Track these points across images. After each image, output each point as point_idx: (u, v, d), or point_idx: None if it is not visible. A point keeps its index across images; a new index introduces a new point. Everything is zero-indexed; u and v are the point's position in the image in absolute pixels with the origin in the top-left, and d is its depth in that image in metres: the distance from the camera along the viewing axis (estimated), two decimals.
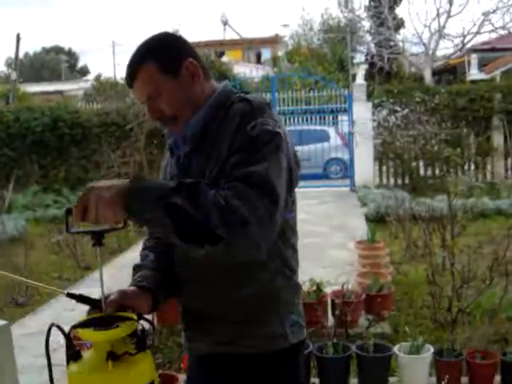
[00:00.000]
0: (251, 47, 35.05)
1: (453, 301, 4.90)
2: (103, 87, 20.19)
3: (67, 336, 1.55)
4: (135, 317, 1.61)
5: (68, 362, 1.56)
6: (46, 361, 1.58)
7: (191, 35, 47.52)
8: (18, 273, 6.92)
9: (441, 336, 4.84)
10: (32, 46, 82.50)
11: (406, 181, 13.58)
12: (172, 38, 1.83)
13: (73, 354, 1.55)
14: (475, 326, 4.91)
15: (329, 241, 8.82)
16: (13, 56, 19.58)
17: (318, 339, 4.40)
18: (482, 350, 4.12)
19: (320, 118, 17.01)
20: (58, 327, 1.54)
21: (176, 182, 1.49)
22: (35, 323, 5.73)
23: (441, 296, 5.12)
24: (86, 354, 1.57)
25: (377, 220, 9.65)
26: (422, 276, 5.79)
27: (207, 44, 31.68)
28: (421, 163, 13.39)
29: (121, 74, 29.42)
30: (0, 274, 1.65)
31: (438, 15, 20.28)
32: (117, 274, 7.41)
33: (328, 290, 5.17)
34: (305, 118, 17.07)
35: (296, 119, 16.88)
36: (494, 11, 19.98)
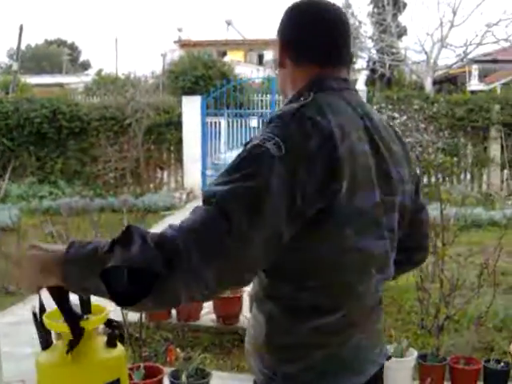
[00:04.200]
0: (254, 48, 35.05)
1: (440, 307, 4.92)
2: (104, 81, 20.17)
3: (39, 323, 1.49)
4: (108, 309, 1.53)
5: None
6: (25, 350, 1.55)
7: (194, 34, 47.56)
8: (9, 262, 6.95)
9: (427, 342, 4.87)
10: (35, 37, 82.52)
11: None
12: None
13: (42, 343, 1.49)
14: (462, 333, 4.93)
15: None
16: (15, 47, 19.51)
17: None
18: (465, 356, 4.14)
19: None
20: (34, 314, 1.49)
21: (109, 242, 1.29)
22: (22, 311, 5.74)
23: (429, 302, 5.14)
24: (56, 344, 1.51)
25: None
26: (411, 282, 5.81)
27: (210, 43, 31.70)
28: (417, 171, 13.39)
29: (122, 69, 29.57)
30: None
31: (441, 25, 20.30)
32: None
33: None
34: None
35: None
36: (496, 23, 20.00)
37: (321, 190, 1.36)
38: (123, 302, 1.25)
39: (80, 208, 10.27)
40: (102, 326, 1.55)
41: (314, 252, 1.44)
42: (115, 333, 1.50)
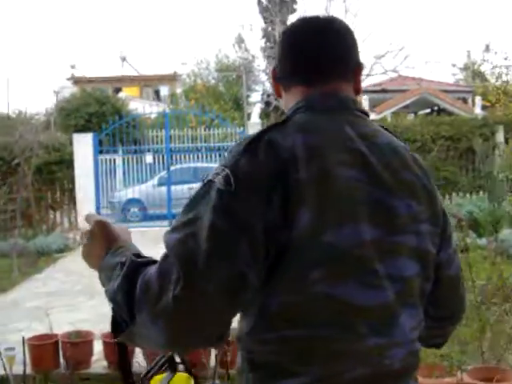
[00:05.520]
0: (149, 84, 34.92)
1: None
2: None
3: None
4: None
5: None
6: None
7: (88, 70, 46.87)
8: None
9: None
10: None
11: None
12: None
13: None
14: None
15: None
16: None
17: (202, 381, 4.23)
18: None
19: (215, 155, 17.03)
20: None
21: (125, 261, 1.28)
22: None
23: None
24: None
25: None
26: None
27: (105, 80, 31.29)
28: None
29: (15, 107, 28.60)
30: None
31: None
32: None
33: None
34: (200, 156, 17.02)
35: (192, 156, 16.78)
36: (384, 54, 20.80)
37: (281, 220, 1.18)
38: (112, 328, 1.27)
39: None
40: None
41: (274, 298, 1.22)
42: None
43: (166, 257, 1.20)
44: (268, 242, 1.18)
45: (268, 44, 24.81)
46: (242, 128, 16.30)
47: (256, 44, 37.32)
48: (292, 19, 26.68)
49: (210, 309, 1.17)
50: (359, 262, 1.24)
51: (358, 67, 1.47)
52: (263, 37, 27.11)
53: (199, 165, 16.49)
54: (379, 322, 1.26)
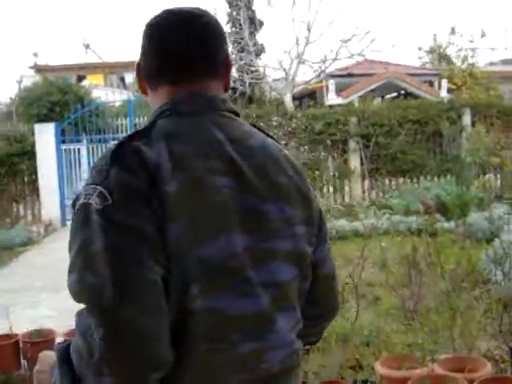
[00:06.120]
0: (114, 71, 34.38)
1: None
2: None
3: None
4: None
5: None
6: None
7: (52, 59, 46.08)
8: None
9: None
10: None
11: None
12: None
13: None
14: (330, 352, 4.81)
15: None
16: None
17: None
18: (332, 381, 4.01)
19: None
20: None
21: None
22: None
23: None
24: None
25: None
26: None
27: (68, 68, 30.71)
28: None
29: None
30: None
31: (298, 42, 20.76)
32: None
33: None
34: None
35: None
36: (350, 38, 20.71)
37: (160, 232, 1.16)
38: None
39: None
40: None
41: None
42: None
43: (77, 314, 1.17)
44: (162, 242, 1.16)
45: (234, 29, 24.57)
46: None
47: None
48: (257, 4, 26.54)
49: (144, 332, 1.12)
50: (233, 273, 1.23)
51: (227, 63, 1.42)
52: (228, 22, 26.86)
53: None
54: (254, 329, 1.26)
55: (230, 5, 25.92)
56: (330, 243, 1.55)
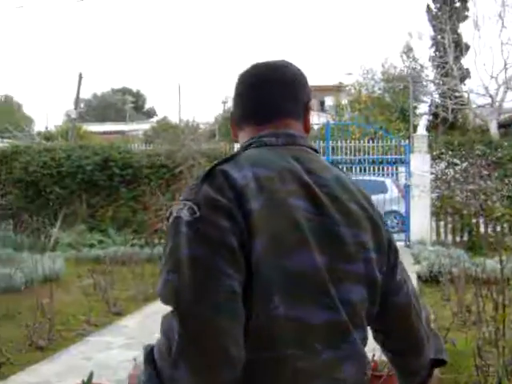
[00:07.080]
0: (314, 95, 35.00)
1: (502, 379, 4.32)
2: (162, 129, 20.30)
3: None
4: None
5: None
6: None
7: None
8: (42, 314, 6.66)
9: None
10: (101, 86, 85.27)
11: (465, 238, 12.90)
12: None
13: None
14: None
15: None
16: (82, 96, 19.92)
17: None
18: None
19: (378, 168, 16.50)
20: None
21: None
22: (46, 370, 5.43)
23: (489, 371, 4.53)
24: None
25: (429, 280, 9.21)
26: (471, 346, 5.20)
27: None
28: (481, 220, 12.72)
29: (186, 116, 29.90)
30: None
31: (506, 66, 19.67)
32: (143, 320, 7.11)
33: None
34: (362, 168, 16.57)
35: (353, 169, 16.38)
36: None
37: (243, 243, 1.28)
38: None
39: (127, 257, 10.27)
40: None
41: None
42: None
43: (162, 317, 1.28)
44: (243, 253, 1.27)
45: (437, 53, 23.91)
46: (406, 141, 15.61)
47: (424, 53, 36.16)
48: (463, 28, 25.55)
49: (218, 331, 1.22)
50: (315, 286, 1.35)
51: (308, 107, 1.60)
52: (432, 46, 26.19)
53: (360, 177, 16.06)
54: (333, 338, 1.37)
55: (435, 28, 25.22)
56: (405, 275, 1.63)
